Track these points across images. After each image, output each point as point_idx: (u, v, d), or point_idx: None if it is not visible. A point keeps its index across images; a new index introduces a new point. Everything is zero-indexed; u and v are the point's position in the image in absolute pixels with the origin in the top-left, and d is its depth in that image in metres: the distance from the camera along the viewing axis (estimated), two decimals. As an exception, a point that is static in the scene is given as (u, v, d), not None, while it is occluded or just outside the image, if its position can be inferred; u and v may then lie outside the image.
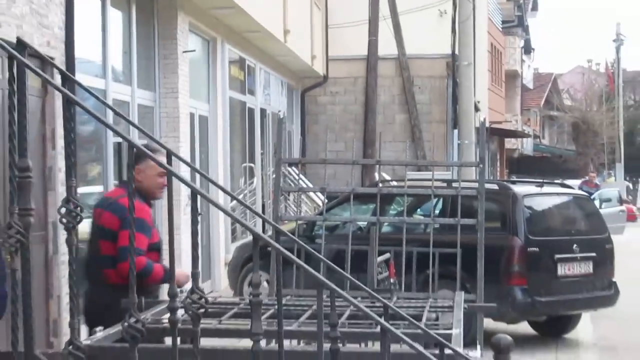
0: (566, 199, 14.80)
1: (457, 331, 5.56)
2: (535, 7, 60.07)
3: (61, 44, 10.52)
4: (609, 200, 38.13)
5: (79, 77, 11.98)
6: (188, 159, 15.98)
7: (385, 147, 30.07)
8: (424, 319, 6.11)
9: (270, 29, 20.09)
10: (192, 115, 16.79)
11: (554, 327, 14.44)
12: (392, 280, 8.34)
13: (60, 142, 10.35)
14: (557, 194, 14.87)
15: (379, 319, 3.71)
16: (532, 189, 14.38)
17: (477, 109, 31.75)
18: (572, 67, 79.19)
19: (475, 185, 15.25)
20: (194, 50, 16.31)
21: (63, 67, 10.46)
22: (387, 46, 30.03)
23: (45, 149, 10.31)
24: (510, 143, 50.26)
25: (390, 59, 30.43)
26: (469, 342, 12.99)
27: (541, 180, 15.97)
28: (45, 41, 10.09)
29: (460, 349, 4.94)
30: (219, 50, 18.57)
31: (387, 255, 9.86)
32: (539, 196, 14.14)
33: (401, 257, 9.04)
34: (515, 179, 20.58)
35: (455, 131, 28.18)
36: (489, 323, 13.99)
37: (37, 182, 10.09)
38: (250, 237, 13.93)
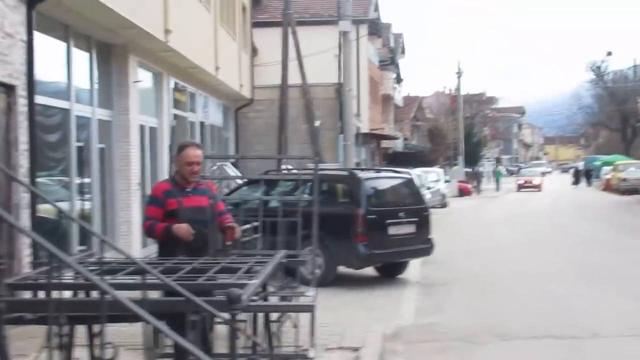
0: (396, 181, 14.38)
1: (255, 281, 4.91)
2: (403, 51, 60.29)
3: (23, 76, 9.79)
4: (448, 181, 38.69)
5: (46, 100, 11.45)
6: (138, 158, 15.56)
7: (294, 148, 29.91)
8: (240, 272, 5.48)
9: (204, 67, 19.50)
10: (142, 127, 16.14)
11: (389, 271, 14.08)
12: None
13: (21, 147, 9.72)
14: (390, 177, 14.55)
15: (89, 274, 3.10)
16: (372, 174, 14.22)
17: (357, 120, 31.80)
18: (433, 91, 79.28)
19: (331, 171, 14.94)
20: (141, 80, 15.60)
21: (25, 93, 9.90)
22: (295, 77, 29.83)
23: (10, 151, 9.59)
24: (385, 143, 50.38)
25: (297, 86, 30.13)
26: (328, 284, 12.59)
27: (379, 168, 15.72)
28: (7, 74, 9.37)
29: (243, 298, 4.27)
30: (164, 81, 17.86)
31: (253, 224, 9.40)
32: (377, 179, 13.88)
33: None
34: (362, 167, 20.07)
35: (341, 136, 28.05)
36: (345, 269, 13.64)
37: (2, 175, 9.45)
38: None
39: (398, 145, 54.96)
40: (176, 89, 19.40)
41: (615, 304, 11.44)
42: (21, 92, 9.79)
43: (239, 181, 21.42)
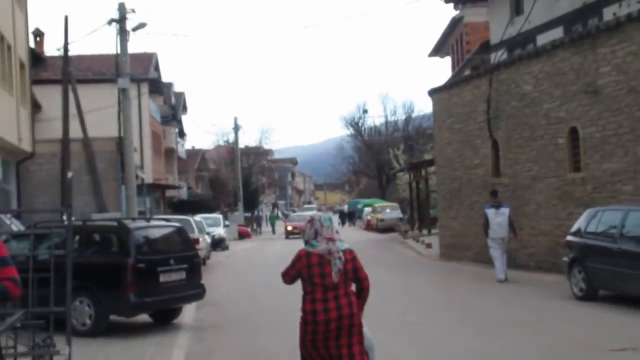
0: (167, 229, 13.17)
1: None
2: (185, 109, 59.14)
3: None
4: (228, 225, 38.10)
5: None
6: None
7: (78, 198, 27.98)
8: None
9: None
10: None
11: (163, 316, 12.89)
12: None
13: None
14: (161, 226, 13.38)
15: None
16: (142, 223, 12.96)
17: (138, 172, 30.51)
18: (215, 144, 78.34)
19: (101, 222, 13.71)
20: None
21: None
22: (77, 131, 28.10)
23: None
24: (170, 192, 48.84)
25: (79, 140, 28.38)
26: (100, 333, 11.30)
27: (149, 217, 14.64)
28: None
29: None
30: None
31: None
32: (147, 228, 12.60)
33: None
34: (134, 217, 18.76)
35: (123, 186, 26.65)
36: (118, 318, 12.39)
37: None
38: None
39: (183, 194, 53.57)
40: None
41: (373, 337, 11.11)
42: None
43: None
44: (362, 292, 6.50)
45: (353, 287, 6.48)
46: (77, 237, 12.28)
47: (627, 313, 12.09)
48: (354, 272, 6.42)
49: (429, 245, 29.30)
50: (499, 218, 17.70)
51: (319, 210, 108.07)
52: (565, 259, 14.42)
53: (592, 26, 18.47)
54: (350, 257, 6.47)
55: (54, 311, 7.20)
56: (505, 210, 17.84)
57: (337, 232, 6.60)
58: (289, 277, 6.56)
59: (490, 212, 17.88)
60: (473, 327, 11.69)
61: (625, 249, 12.63)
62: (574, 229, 14.61)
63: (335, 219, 77.14)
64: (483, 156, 22.56)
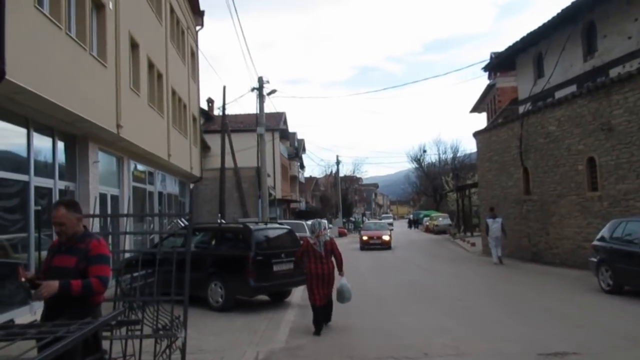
0: (280, 231, 11.46)
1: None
2: (304, 150, 58.11)
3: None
4: (331, 227, 36.30)
5: (6, 174, 8.55)
6: (97, 219, 12.50)
7: (229, 208, 27.06)
8: (29, 350, 2.79)
9: (158, 154, 16.63)
10: (104, 195, 13.13)
11: (277, 296, 11.26)
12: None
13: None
14: (275, 228, 11.61)
15: None
16: (261, 226, 11.31)
17: (271, 191, 29.30)
18: (323, 174, 77.02)
19: (232, 225, 12.16)
20: (98, 161, 12.63)
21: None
22: (231, 163, 27.25)
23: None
24: (293, 205, 47.64)
25: (231, 169, 27.52)
26: (229, 309, 9.65)
27: (266, 221, 13.01)
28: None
29: None
30: (125, 163, 14.93)
31: (143, 272, 6.47)
32: (265, 230, 10.96)
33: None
34: (256, 220, 17.27)
35: (260, 200, 25.43)
36: (242, 297, 10.82)
37: None
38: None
39: (302, 206, 52.35)
40: (136, 168, 16.46)
41: (437, 322, 9.04)
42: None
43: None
44: (337, 261, 8.24)
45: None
46: (214, 237, 10.90)
47: (652, 307, 9.50)
48: (331, 250, 8.16)
49: (473, 244, 26.58)
50: (495, 225, 18.31)
51: (393, 218, 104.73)
52: (593, 259, 11.81)
53: (606, 80, 15.75)
54: (330, 243, 8.18)
55: (175, 299, 5.64)
56: (499, 220, 18.37)
57: (325, 229, 8.34)
58: (299, 253, 8.23)
59: (490, 221, 18.57)
60: (519, 314, 9.41)
61: (647, 253, 10.05)
62: (598, 236, 11.99)
63: (405, 223, 74.31)
64: (516, 179, 19.91)
